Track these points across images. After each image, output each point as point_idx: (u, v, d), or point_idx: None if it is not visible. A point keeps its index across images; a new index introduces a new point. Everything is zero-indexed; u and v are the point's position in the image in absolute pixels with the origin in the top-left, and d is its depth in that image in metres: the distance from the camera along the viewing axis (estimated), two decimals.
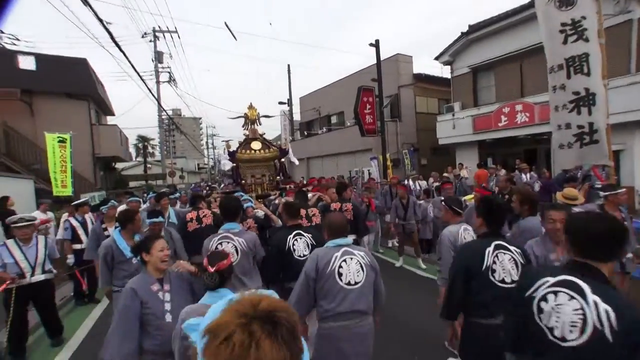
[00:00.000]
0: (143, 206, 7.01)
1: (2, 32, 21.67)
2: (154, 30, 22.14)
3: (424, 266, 6.78)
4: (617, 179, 8.26)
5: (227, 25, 13.68)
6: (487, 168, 11.00)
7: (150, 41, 22.28)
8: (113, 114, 19.30)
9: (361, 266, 2.47)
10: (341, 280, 2.40)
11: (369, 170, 14.42)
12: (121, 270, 3.51)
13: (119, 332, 2.19)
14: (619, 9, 9.10)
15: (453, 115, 13.80)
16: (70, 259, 5.81)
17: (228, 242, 3.23)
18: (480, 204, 2.55)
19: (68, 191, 8.25)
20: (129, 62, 11.75)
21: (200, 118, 75.85)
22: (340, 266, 2.42)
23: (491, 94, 13.24)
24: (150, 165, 28.29)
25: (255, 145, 7.38)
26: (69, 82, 14.41)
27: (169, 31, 22.38)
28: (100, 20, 7.52)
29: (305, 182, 11.53)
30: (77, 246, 5.80)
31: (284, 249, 3.25)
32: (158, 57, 22.29)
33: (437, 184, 11.05)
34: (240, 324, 0.70)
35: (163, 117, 23.43)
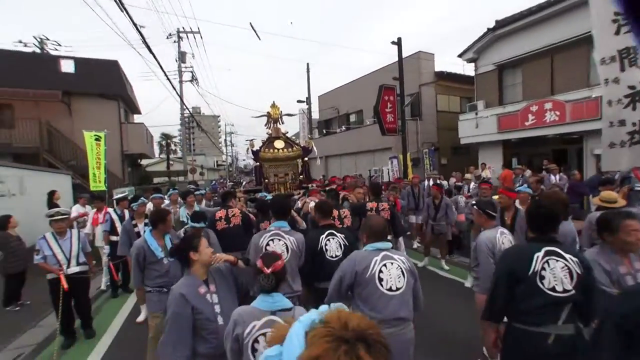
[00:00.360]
0: (165, 202, 7.16)
1: (47, 39, 22.85)
2: (178, 31, 22.58)
3: (446, 267, 6.69)
4: None
5: (251, 26, 13.84)
6: (512, 168, 10.74)
7: (175, 42, 22.77)
8: (140, 113, 19.88)
9: (402, 271, 2.39)
10: (382, 285, 2.33)
11: (388, 169, 14.27)
12: (153, 270, 3.52)
13: (171, 339, 2.13)
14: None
15: (476, 114, 13.52)
16: (106, 250, 6.11)
17: (279, 240, 3.17)
18: (528, 208, 2.46)
19: (102, 186, 8.54)
20: (158, 63, 12.20)
21: (218, 116, 76.88)
22: (380, 271, 2.34)
23: (518, 92, 12.90)
24: (172, 162, 28.92)
25: (279, 144, 7.31)
26: (102, 83, 15.28)
27: (192, 32, 22.83)
28: (135, 25, 7.72)
29: (326, 181, 11.31)
30: (114, 238, 5.99)
31: (316, 248, 3.20)
32: (181, 57, 22.78)
33: (459, 183, 10.90)
34: (343, 351, 0.69)
35: (185, 115, 23.93)
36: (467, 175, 10.56)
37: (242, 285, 2.57)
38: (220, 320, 2.23)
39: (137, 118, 20.40)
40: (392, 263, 2.38)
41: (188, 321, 2.14)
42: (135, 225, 5.20)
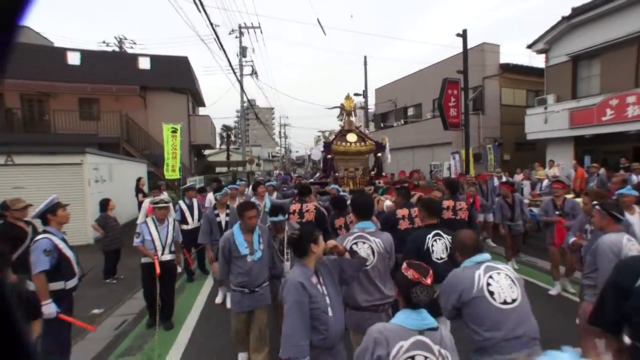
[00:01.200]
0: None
1: (125, 39, 25.12)
2: (240, 27, 23.52)
3: (516, 267, 6.39)
4: None
5: (318, 21, 14.22)
6: (584, 167, 10.10)
7: (236, 37, 23.79)
8: (204, 105, 21.16)
9: (512, 280, 2.15)
10: (494, 299, 2.07)
11: (449, 164, 13.99)
12: (235, 266, 3.41)
13: (295, 328, 2.08)
14: None
15: (545, 108, 12.81)
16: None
17: (364, 243, 2.94)
18: None
19: (176, 175, 9.40)
20: (227, 58, 12.90)
21: (273, 108, 78.85)
22: (488, 284, 2.10)
23: (594, 85, 12.01)
24: (230, 153, 30.46)
25: (351, 137, 7.12)
26: (174, 78, 16.57)
27: (252, 27, 23.62)
28: (211, 24, 8.34)
29: (393, 177, 11.02)
30: (185, 227, 6.19)
31: (422, 248, 3.02)
32: (242, 51, 23.76)
33: (526, 180, 10.47)
34: None
35: (245, 107, 25.04)
36: (539, 173, 10.07)
37: (346, 279, 2.49)
38: (330, 312, 2.20)
39: (201, 110, 21.75)
40: (498, 273, 2.15)
41: (307, 309, 2.12)
42: (218, 215, 5.30)
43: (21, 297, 3.99)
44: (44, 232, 3.47)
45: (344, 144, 7.03)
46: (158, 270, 4.23)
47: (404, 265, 1.76)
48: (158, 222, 4.48)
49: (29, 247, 3.51)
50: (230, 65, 13.37)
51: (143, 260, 4.46)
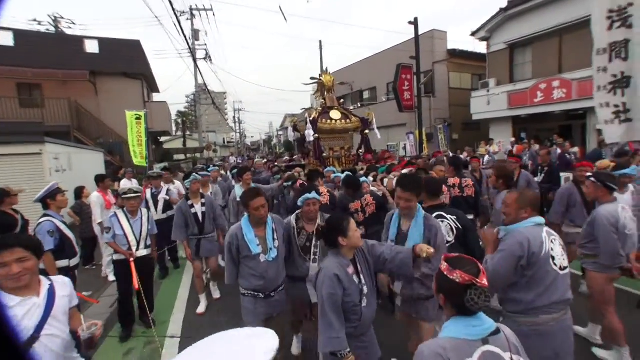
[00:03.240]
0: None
1: (62, 18, 23.17)
2: (191, 9, 22.76)
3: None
4: None
5: (280, 9, 14.26)
6: (521, 142, 11.44)
7: (188, 19, 23.04)
8: (159, 91, 20.51)
9: (563, 248, 2.21)
10: (555, 264, 2.11)
11: (405, 144, 15.01)
12: (247, 268, 2.87)
13: (331, 320, 2.02)
14: None
15: (488, 91, 14.10)
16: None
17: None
18: None
19: (144, 162, 9.37)
20: (186, 39, 12.76)
21: (225, 92, 76.90)
22: (551, 248, 2.13)
23: (527, 70, 13.45)
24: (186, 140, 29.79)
25: (335, 114, 6.59)
26: (126, 63, 15.91)
27: (205, 9, 22.99)
28: (171, 3, 8.32)
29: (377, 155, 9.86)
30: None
31: None
32: (195, 34, 23.10)
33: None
34: None
35: (199, 92, 24.52)
36: (481, 150, 11.26)
37: (389, 269, 2.40)
38: (364, 301, 2.14)
39: (155, 96, 21.06)
40: (554, 240, 2.18)
41: (340, 301, 2.07)
42: (192, 206, 4.63)
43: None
44: (45, 215, 3.71)
45: (329, 121, 6.47)
46: (135, 278, 3.80)
47: (444, 265, 1.42)
48: (130, 215, 4.03)
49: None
50: (189, 48, 13.21)
51: (115, 257, 4.07)
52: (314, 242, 3.09)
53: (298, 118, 8.50)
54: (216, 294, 4.94)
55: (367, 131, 6.87)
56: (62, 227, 3.73)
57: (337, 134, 6.69)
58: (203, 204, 4.70)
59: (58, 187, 3.90)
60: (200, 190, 4.96)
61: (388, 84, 16.57)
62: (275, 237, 2.95)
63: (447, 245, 2.72)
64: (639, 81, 4.84)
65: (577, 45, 11.31)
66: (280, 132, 56.60)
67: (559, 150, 9.28)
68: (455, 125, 17.71)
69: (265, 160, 13.89)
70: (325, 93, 6.94)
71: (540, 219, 2.22)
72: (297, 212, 3.22)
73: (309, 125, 6.34)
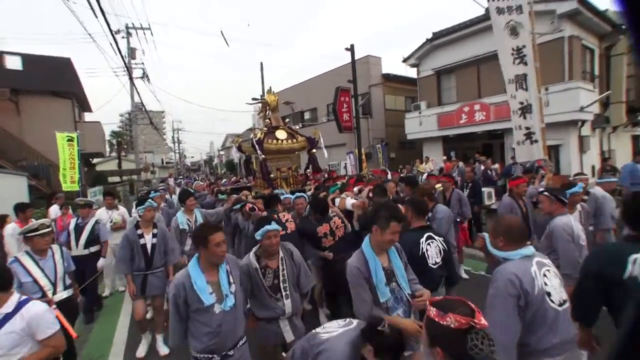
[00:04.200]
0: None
1: None
2: (127, 27, 22.02)
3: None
4: (557, 168, 10.09)
5: (222, 34, 14.43)
6: (450, 160, 12.56)
7: (123, 37, 22.19)
8: (91, 110, 19.33)
9: (560, 279, 1.99)
10: (552, 301, 1.87)
11: (346, 163, 15.63)
12: (197, 322, 2.36)
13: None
14: (552, 28, 10.85)
15: (420, 113, 15.30)
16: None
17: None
18: (626, 203, 2.24)
19: (76, 186, 8.84)
20: (122, 57, 12.29)
21: (163, 111, 74.03)
22: (545, 283, 1.88)
23: (453, 95, 14.88)
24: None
25: (281, 134, 6.53)
26: (54, 81, 14.88)
27: (142, 28, 22.35)
28: (106, 20, 8.10)
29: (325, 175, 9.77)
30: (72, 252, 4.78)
31: (417, 253, 2.70)
32: (131, 53, 22.27)
33: (410, 174, 12.51)
34: None
35: (136, 111, 23.48)
36: (419, 167, 12.10)
37: None
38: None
39: (87, 116, 19.80)
40: (548, 270, 1.94)
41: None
42: (141, 236, 4.07)
43: None
44: None
45: (274, 141, 6.40)
46: (69, 326, 3.11)
47: (433, 311, 1.26)
48: (38, 255, 3.35)
49: None
50: (125, 65, 12.78)
51: None
52: (282, 276, 2.77)
53: (242, 137, 8.46)
54: (163, 350, 4.07)
55: (314, 150, 6.87)
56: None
57: (283, 153, 6.61)
58: (154, 235, 4.15)
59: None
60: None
61: (328, 105, 17.28)
62: (231, 280, 2.47)
63: (436, 266, 2.72)
64: (535, 109, 5.76)
65: (492, 74, 12.73)
66: (222, 152, 55.57)
67: (482, 167, 10.35)
68: (392, 145, 18.83)
69: (207, 182, 13.32)
70: (270, 113, 6.92)
71: (527, 250, 1.96)
72: (255, 249, 2.84)
73: (256, 146, 6.20)
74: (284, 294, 2.76)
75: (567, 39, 10.99)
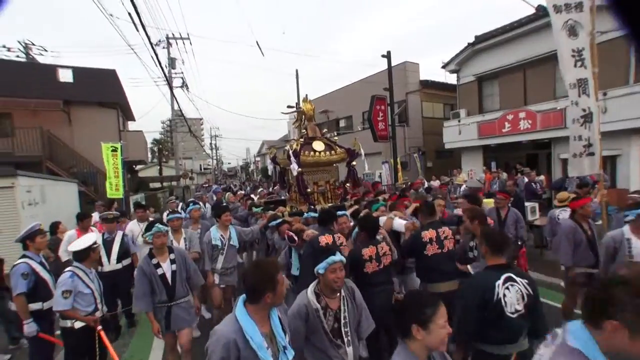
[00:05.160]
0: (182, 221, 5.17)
1: (33, 44, 22.78)
2: (167, 37, 22.94)
3: None
4: (613, 182, 9.25)
5: (257, 44, 14.72)
6: (491, 172, 11.97)
7: (164, 48, 23.16)
8: (134, 119, 20.27)
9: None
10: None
11: (381, 172, 15.35)
12: None
13: None
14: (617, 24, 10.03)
15: (459, 121, 14.76)
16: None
17: (513, 285, 2.30)
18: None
19: (120, 194, 9.23)
20: (161, 67, 12.83)
21: (201, 118, 76.61)
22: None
23: (495, 102, 14.21)
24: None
25: (318, 145, 6.10)
26: (101, 92, 15.72)
27: (181, 38, 23.18)
28: (146, 32, 8.46)
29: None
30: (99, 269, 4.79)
31: (490, 299, 2.24)
32: (171, 62, 23.20)
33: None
34: None
35: (175, 119, 24.41)
36: (459, 178, 11.61)
37: None
38: None
39: (131, 125, 20.81)
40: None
41: None
42: (158, 266, 3.49)
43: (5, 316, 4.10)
44: (23, 256, 3.67)
45: (312, 154, 5.99)
46: (112, 349, 3.29)
47: None
48: (87, 269, 3.41)
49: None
50: (165, 76, 13.31)
51: (75, 324, 3.27)
52: (343, 319, 2.38)
53: (277, 147, 8.28)
54: None
55: (354, 162, 6.44)
56: (39, 269, 3.68)
57: (321, 166, 6.18)
58: (173, 261, 3.57)
59: (39, 229, 3.81)
60: (171, 240, 4.12)
61: (363, 112, 17.14)
62: (285, 327, 2.04)
63: (517, 314, 2.25)
64: (595, 117, 5.28)
65: (540, 79, 12.14)
66: (258, 159, 56.56)
67: (525, 179, 9.73)
68: (429, 153, 18.32)
69: (241, 192, 12.44)
70: (306, 122, 6.53)
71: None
72: (314, 285, 2.43)
73: (292, 158, 5.77)
74: (345, 339, 2.37)
75: None
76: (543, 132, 11.65)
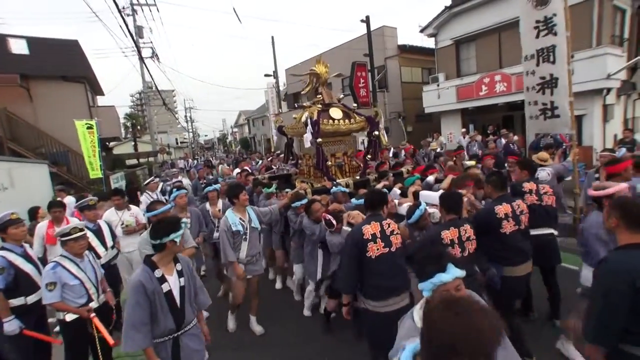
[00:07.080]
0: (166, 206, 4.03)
1: None
2: (132, 3, 21.51)
3: None
4: (579, 140, 9.76)
5: (234, 11, 13.99)
6: (469, 134, 12.26)
7: (128, 15, 21.70)
8: (103, 94, 19.28)
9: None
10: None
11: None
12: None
13: None
14: None
15: (438, 85, 14.85)
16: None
17: None
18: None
19: (99, 173, 8.96)
20: (132, 36, 12.10)
21: (173, 90, 73.86)
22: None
23: (472, 65, 14.31)
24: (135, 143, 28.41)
25: (335, 113, 5.47)
26: (64, 65, 14.45)
27: (147, 4, 21.85)
28: (116, 3, 7.93)
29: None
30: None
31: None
32: (138, 31, 21.90)
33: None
34: None
35: (147, 92, 23.50)
36: (433, 144, 11.86)
37: None
38: None
39: (100, 99, 19.77)
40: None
41: None
42: (163, 280, 2.52)
43: None
44: (2, 248, 3.37)
45: (330, 122, 5.33)
46: (106, 334, 3.07)
47: None
48: (77, 258, 3.18)
49: None
50: (136, 45, 12.63)
51: (67, 317, 3.09)
52: None
53: (282, 118, 7.55)
54: None
55: (375, 132, 5.65)
56: (19, 261, 3.36)
57: (339, 136, 5.57)
58: (180, 273, 2.61)
59: (9, 219, 3.40)
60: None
61: (343, 79, 16.94)
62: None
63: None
64: (563, 82, 5.48)
65: (514, 42, 12.10)
66: (235, 130, 55.48)
67: (504, 141, 10.04)
68: (409, 118, 18.46)
69: (235, 167, 10.97)
70: (320, 88, 5.80)
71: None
72: (422, 304, 1.67)
73: (309, 127, 5.09)
74: None
75: (597, 0, 10.30)
76: (518, 94, 11.84)
